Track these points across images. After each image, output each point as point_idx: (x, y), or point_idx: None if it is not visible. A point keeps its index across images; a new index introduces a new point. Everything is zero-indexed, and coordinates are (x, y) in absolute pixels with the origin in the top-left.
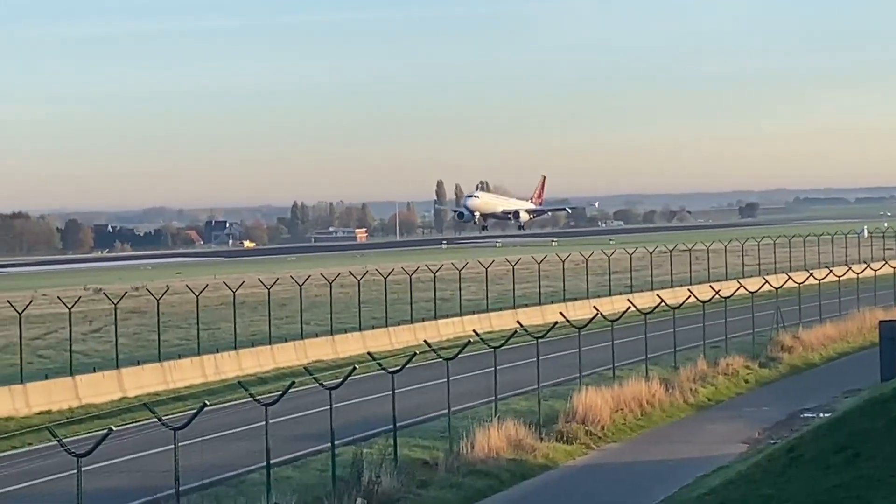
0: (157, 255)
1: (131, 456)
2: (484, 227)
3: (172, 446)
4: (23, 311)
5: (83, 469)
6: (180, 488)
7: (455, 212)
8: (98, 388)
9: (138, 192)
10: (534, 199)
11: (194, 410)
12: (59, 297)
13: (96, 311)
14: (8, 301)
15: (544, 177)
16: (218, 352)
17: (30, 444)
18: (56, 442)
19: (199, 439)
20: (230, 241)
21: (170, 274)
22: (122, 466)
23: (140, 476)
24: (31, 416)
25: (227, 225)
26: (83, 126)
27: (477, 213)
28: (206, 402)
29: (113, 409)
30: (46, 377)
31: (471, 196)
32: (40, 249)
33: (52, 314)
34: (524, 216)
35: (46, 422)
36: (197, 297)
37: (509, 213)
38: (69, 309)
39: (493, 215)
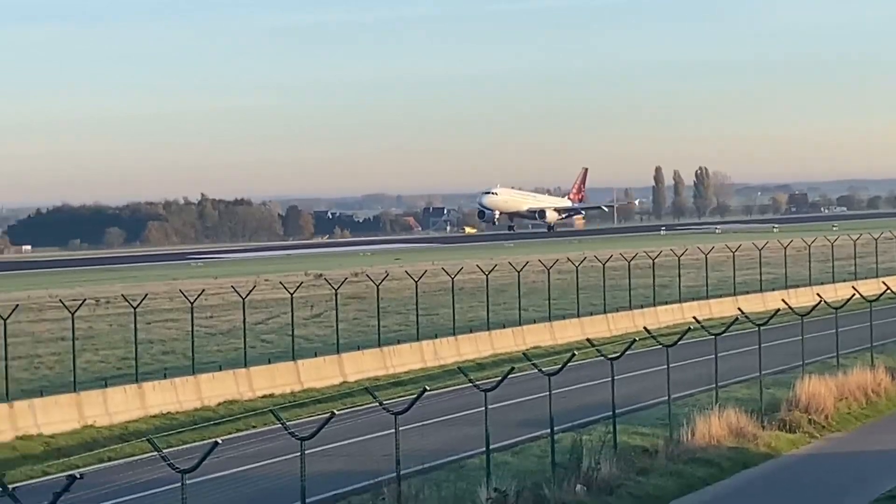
0: (375, 241)
1: (352, 440)
2: (510, 227)
3: (393, 430)
4: (246, 297)
5: (306, 452)
6: (401, 472)
7: (478, 209)
8: (319, 373)
9: (357, 179)
10: (572, 196)
11: (414, 395)
12: (280, 283)
13: (317, 297)
14: (232, 286)
15: (585, 169)
16: (437, 337)
17: (253, 427)
18: (280, 425)
19: (419, 424)
20: (448, 228)
21: (388, 260)
22: (343, 450)
23: (361, 460)
24: (254, 399)
25: (445, 211)
26: (304, 114)
27: (497, 212)
28: (426, 387)
29: (334, 393)
30: (269, 361)
31: (488, 192)
32: (262, 235)
33: (274, 299)
34: (551, 215)
35: (270, 405)
36: (416, 282)
37: (535, 211)
38: (291, 294)
39: (519, 214)
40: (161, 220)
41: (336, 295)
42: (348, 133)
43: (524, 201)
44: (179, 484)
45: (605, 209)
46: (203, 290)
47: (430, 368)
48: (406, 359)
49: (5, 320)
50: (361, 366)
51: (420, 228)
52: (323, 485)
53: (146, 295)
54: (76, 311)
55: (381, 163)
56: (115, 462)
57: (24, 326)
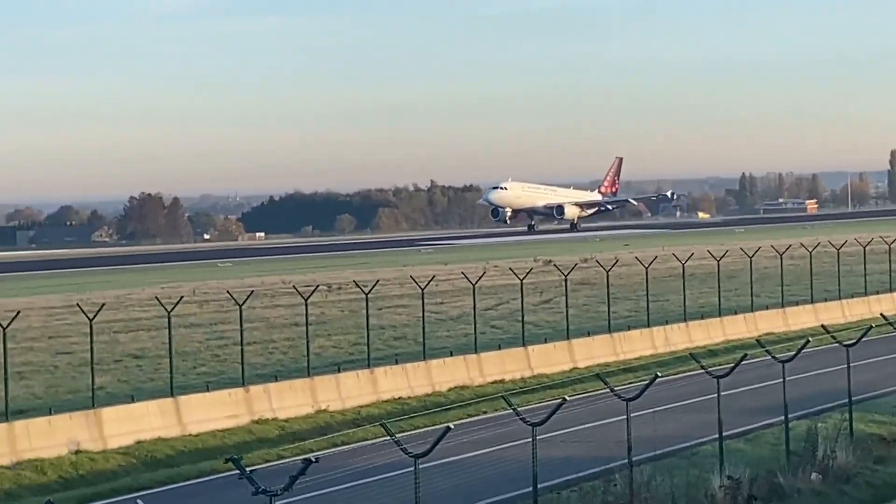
0: (604, 227)
1: (583, 426)
2: (530, 226)
3: (624, 417)
4: (476, 283)
5: (537, 438)
6: (633, 459)
7: (490, 207)
8: (549, 359)
9: (587, 164)
10: (605, 188)
11: (645, 382)
12: (510, 269)
13: (546, 283)
14: (462, 272)
15: (619, 159)
16: (667, 323)
17: (484, 413)
18: (510, 411)
19: (651, 410)
20: (678, 213)
21: (617, 246)
22: (574, 436)
23: (592, 446)
24: (485, 384)
25: (675, 197)
26: (533, 99)
27: (508, 209)
28: (658, 373)
29: (564, 379)
30: (500, 347)
31: (496, 188)
32: (491, 222)
33: (503, 285)
34: (571, 211)
35: (500, 391)
36: (646, 268)
37: (552, 207)
38: (520, 280)
39: (534, 210)
40: (391, 206)
41: (566, 281)
42: (570, 118)
43: (539, 196)
44: (412, 468)
45: (634, 203)
46: (433, 277)
47: (661, 355)
48: (636, 345)
49: (241, 306)
50: (591, 352)
51: (650, 214)
52: (554, 471)
53: (377, 281)
54: (309, 296)
55: (610, 148)
56: (348, 446)
57: (259, 312)
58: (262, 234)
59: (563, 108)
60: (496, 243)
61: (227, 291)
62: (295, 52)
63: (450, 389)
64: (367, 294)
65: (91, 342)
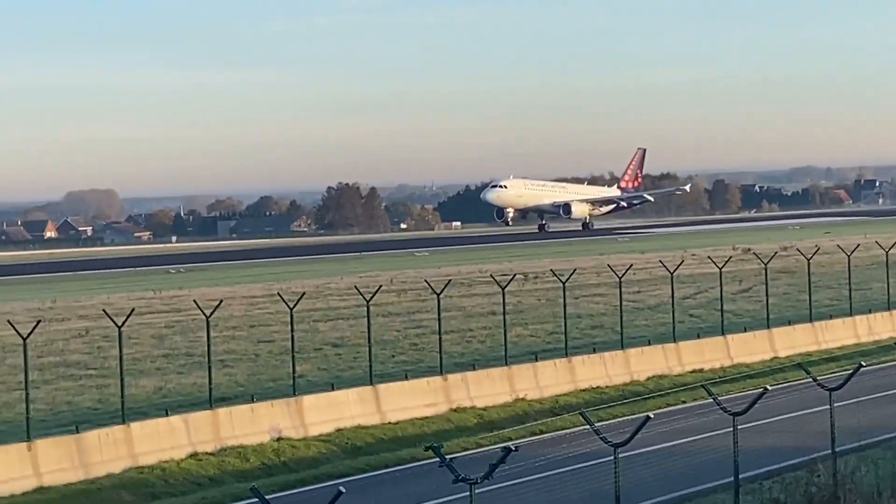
0: (804, 214)
1: (785, 416)
2: (542, 227)
3: (827, 407)
4: (674, 271)
5: (738, 427)
6: (836, 449)
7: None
8: (749, 348)
9: (785, 152)
10: (625, 182)
11: (848, 371)
12: (708, 257)
13: (745, 272)
14: (659, 261)
15: (641, 150)
16: (870, 312)
17: (683, 402)
18: (710, 400)
19: (854, 400)
20: (880, 200)
21: (818, 233)
22: (775, 426)
23: (794, 436)
24: (683, 374)
25: (877, 184)
26: (726, 87)
27: (510, 210)
28: (862, 362)
29: (764, 368)
30: (698, 336)
31: (494, 186)
32: (688, 210)
33: (701, 273)
34: (579, 210)
35: (699, 380)
36: (848, 256)
37: (559, 205)
38: (719, 269)
39: (540, 209)
40: None
41: (765, 269)
42: (774, 104)
43: (545, 194)
44: (611, 458)
45: (651, 199)
46: (630, 266)
47: (865, 344)
48: (838, 334)
49: (438, 295)
50: (792, 341)
51: (851, 201)
52: (755, 461)
53: (574, 270)
54: (506, 285)
55: (809, 135)
56: (546, 435)
57: (456, 301)
58: (458, 223)
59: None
60: (694, 231)
61: (425, 280)
62: (492, 43)
63: (648, 378)
64: (564, 283)
65: (292, 331)
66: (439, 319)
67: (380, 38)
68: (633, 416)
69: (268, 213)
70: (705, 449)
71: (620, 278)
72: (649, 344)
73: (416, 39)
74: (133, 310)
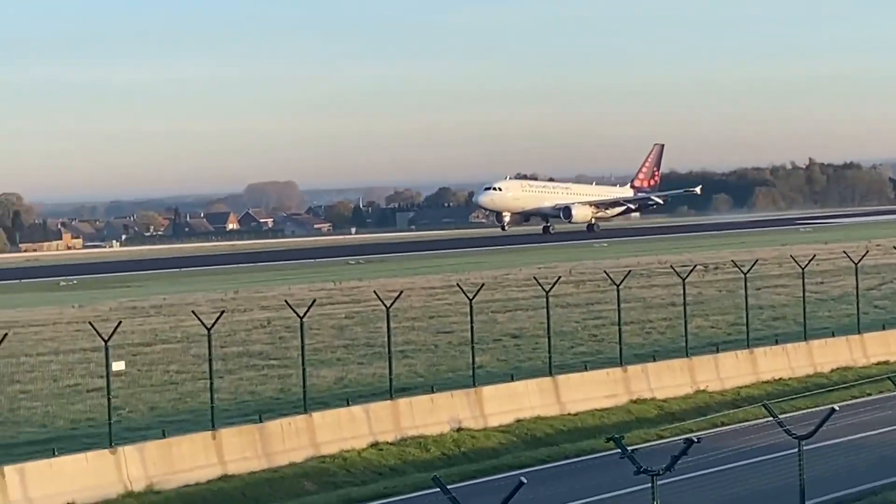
0: None
1: None
2: (546, 229)
3: None
4: (858, 262)
5: None
6: None
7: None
8: None
9: None
10: (639, 181)
11: None
12: (893, 247)
13: None
14: (843, 251)
15: (659, 147)
16: None
17: (868, 395)
18: None
19: None
20: None
21: None
22: None
23: None
24: (868, 366)
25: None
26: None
27: (506, 214)
28: None
29: None
30: (883, 328)
31: (488, 188)
32: (872, 199)
33: (886, 265)
34: (579, 213)
35: (885, 372)
36: None
37: (560, 208)
38: None
39: (541, 212)
40: (768, 185)
41: None
42: None
43: (545, 196)
44: (794, 450)
45: (660, 201)
46: (813, 256)
47: None
48: None
49: (618, 286)
50: None
51: None
52: None
53: (756, 261)
54: (686, 276)
55: None
56: (728, 427)
57: (635, 292)
58: (637, 214)
59: None
60: (879, 222)
61: (604, 271)
62: (665, 31)
63: (832, 370)
64: (745, 273)
65: (471, 321)
66: (619, 310)
67: (535, 28)
68: (816, 409)
69: (446, 205)
70: (891, 442)
71: (803, 269)
72: (833, 335)
73: (581, 30)
74: (314, 301)
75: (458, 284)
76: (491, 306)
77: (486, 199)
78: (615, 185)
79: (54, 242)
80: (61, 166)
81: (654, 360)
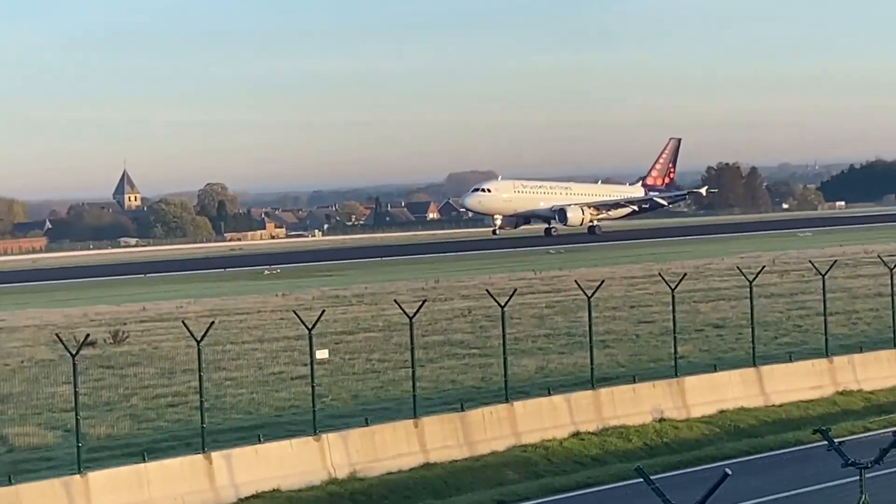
0: None
1: None
2: (548, 231)
3: None
4: None
5: None
6: None
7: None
8: None
9: None
10: (652, 179)
11: None
12: None
13: None
14: None
15: (675, 141)
16: None
17: None
18: None
19: None
20: None
21: None
22: None
23: None
24: None
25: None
26: None
27: (497, 217)
28: None
29: None
30: None
31: (476, 189)
32: None
33: None
34: (575, 216)
35: None
36: None
37: (557, 210)
38: None
39: (536, 214)
40: None
41: None
42: None
43: (540, 197)
44: None
45: (665, 203)
46: None
47: None
48: None
49: (823, 276)
50: None
51: None
52: None
53: None
54: (895, 266)
55: None
56: None
57: (841, 282)
58: (842, 202)
59: None
60: None
61: (809, 261)
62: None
63: None
64: None
65: (673, 311)
66: (824, 300)
67: (748, 16)
68: None
69: None
70: None
71: None
72: None
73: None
74: (515, 290)
75: (659, 274)
76: (693, 296)
77: (474, 201)
78: (630, 183)
79: (258, 232)
80: (265, 157)
81: (861, 351)
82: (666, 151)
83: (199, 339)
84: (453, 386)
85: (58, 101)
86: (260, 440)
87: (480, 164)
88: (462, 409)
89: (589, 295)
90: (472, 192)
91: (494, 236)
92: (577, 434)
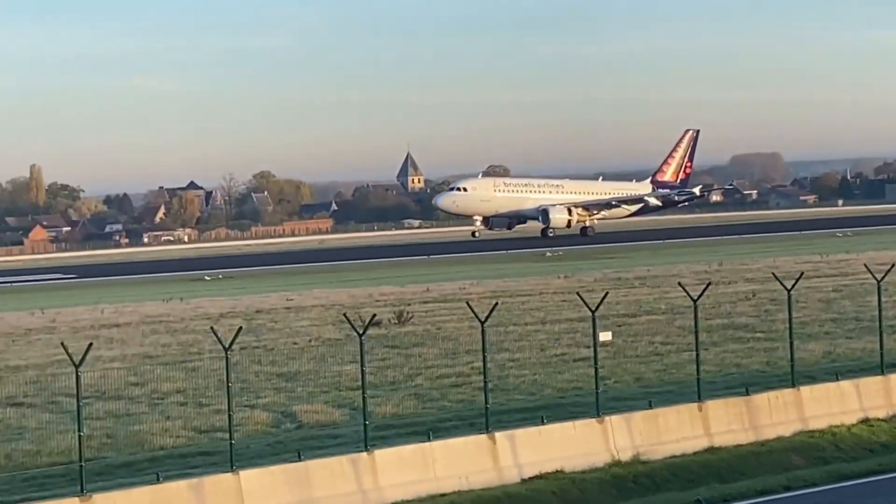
0: None
1: None
2: (545, 230)
3: None
4: None
5: None
6: None
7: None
8: None
9: None
10: (661, 175)
11: None
12: None
13: None
14: None
15: (692, 133)
16: None
17: None
18: None
19: None
20: None
21: None
22: None
23: None
24: None
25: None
26: None
27: (477, 218)
28: None
29: None
30: None
31: (452, 188)
32: None
33: None
34: (558, 217)
35: None
36: None
37: (541, 210)
38: None
39: (521, 215)
40: None
41: None
42: None
43: (526, 197)
44: None
45: (657, 202)
46: None
47: None
48: None
49: None
50: None
51: None
52: None
53: None
54: None
55: None
56: None
57: None
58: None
59: None
60: None
61: None
62: None
63: None
64: None
65: None
66: None
67: None
68: None
69: None
70: None
71: None
72: None
73: None
74: (801, 273)
75: None
76: None
77: (448, 201)
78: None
79: None
80: (545, 138)
81: None
82: (681, 144)
83: (482, 320)
84: (738, 369)
85: (345, 84)
86: (543, 421)
87: (765, 146)
88: (747, 394)
89: (878, 279)
90: (448, 190)
91: (474, 238)
92: (865, 420)
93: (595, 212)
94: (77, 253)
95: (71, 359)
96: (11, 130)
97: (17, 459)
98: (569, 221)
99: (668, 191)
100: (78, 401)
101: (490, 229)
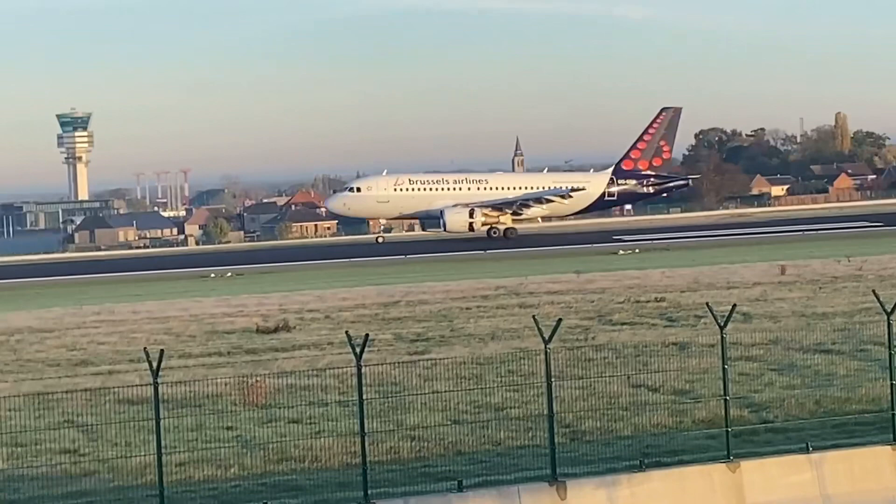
0: None
1: None
2: (506, 232)
3: None
4: None
5: None
6: None
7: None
8: None
9: None
10: (629, 163)
11: None
12: None
13: None
14: None
15: (668, 112)
16: None
17: None
18: None
19: None
20: None
21: None
22: None
23: None
24: None
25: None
26: None
27: (382, 221)
28: None
29: None
30: None
31: (346, 188)
32: None
33: None
34: (454, 219)
35: None
36: None
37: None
38: None
39: (430, 216)
40: None
41: None
42: None
43: (434, 195)
44: None
45: (567, 194)
46: None
47: None
48: None
49: None
50: None
51: None
52: None
53: None
54: None
55: None
56: None
57: None
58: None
59: None
60: None
61: None
62: None
63: None
64: None
65: None
66: None
67: None
68: None
69: None
70: None
71: None
72: None
73: None
74: None
75: None
76: None
77: (337, 203)
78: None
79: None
80: None
81: None
82: (655, 125)
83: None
84: None
85: None
86: None
87: None
88: None
89: None
90: (341, 191)
91: (378, 244)
92: None
93: (507, 212)
94: (882, 201)
95: (883, 307)
96: (818, 77)
97: (826, 405)
98: (470, 224)
99: (634, 181)
100: (889, 349)
101: (423, 230)
